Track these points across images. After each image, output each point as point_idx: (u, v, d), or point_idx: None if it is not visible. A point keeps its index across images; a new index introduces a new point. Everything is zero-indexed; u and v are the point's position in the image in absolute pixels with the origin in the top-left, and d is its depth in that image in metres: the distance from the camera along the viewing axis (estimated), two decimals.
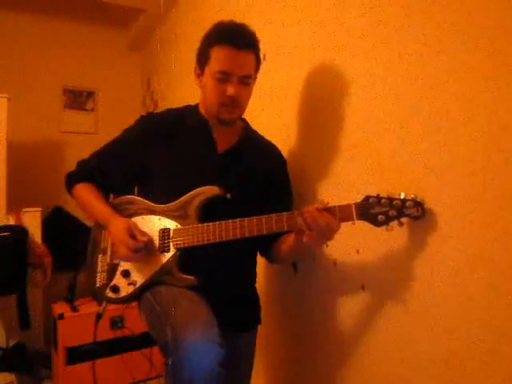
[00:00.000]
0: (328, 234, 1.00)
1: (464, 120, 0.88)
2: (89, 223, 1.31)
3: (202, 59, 1.20)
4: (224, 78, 1.15)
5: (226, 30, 1.18)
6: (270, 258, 1.33)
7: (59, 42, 3.20)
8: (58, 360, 2.11)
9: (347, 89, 1.20)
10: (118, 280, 1.17)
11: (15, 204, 2.43)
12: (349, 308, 1.22)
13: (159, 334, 0.99)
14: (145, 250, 1.13)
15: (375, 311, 1.13)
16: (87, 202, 1.26)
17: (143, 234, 1.15)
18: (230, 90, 1.14)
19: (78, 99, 3.28)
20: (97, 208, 1.23)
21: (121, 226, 1.14)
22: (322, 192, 1.32)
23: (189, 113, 1.29)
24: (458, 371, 0.89)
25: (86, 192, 1.27)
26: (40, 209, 2.49)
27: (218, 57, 1.15)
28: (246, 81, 1.18)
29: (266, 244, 1.26)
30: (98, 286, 1.20)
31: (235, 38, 1.14)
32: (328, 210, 0.99)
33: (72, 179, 1.31)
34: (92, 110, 3.33)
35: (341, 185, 1.24)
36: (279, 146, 1.37)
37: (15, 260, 2.16)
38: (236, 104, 1.18)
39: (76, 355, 2.09)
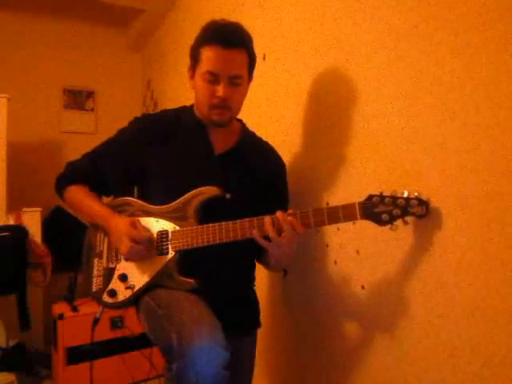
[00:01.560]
0: (294, 237, 1.03)
1: (469, 121, 0.88)
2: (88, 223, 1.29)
3: (193, 60, 1.19)
4: (213, 78, 1.13)
5: (216, 29, 1.16)
6: (261, 262, 1.32)
7: (59, 42, 3.20)
8: (58, 360, 2.11)
9: (353, 91, 1.20)
10: (115, 284, 1.15)
11: (15, 204, 2.43)
12: (349, 308, 1.22)
13: (162, 338, 0.98)
14: (146, 247, 1.11)
15: (376, 311, 1.12)
16: (82, 204, 1.23)
17: (146, 229, 1.14)
18: (220, 91, 1.13)
19: (78, 99, 3.28)
20: (94, 208, 1.20)
21: (124, 221, 1.12)
22: (325, 192, 1.32)
23: (184, 114, 1.28)
24: (460, 371, 0.89)
25: (80, 193, 1.24)
26: (40, 209, 2.49)
27: (207, 57, 1.13)
28: (237, 81, 1.15)
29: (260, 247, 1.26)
30: (94, 290, 1.18)
31: (224, 37, 1.12)
32: (293, 215, 1.03)
33: (63, 181, 1.27)
34: (92, 110, 3.32)
35: (344, 185, 1.24)
36: (281, 148, 1.37)
37: (15, 260, 2.16)
38: (227, 105, 1.16)
39: (76, 355, 2.08)
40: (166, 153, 1.21)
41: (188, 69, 1.23)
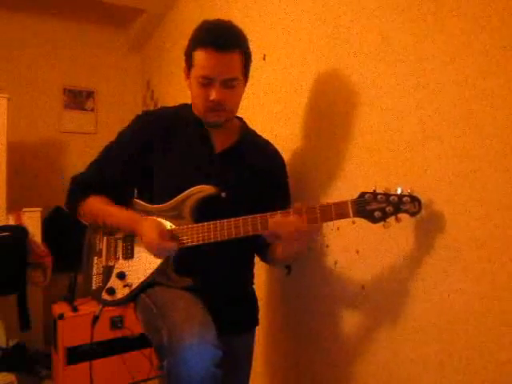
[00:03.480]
0: (301, 237, 1.01)
1: (466, 120, 0.88)
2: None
3: (188, 62, 1.18)
4: (206, 82, 1.12)
5: (208, 30, 1.14)
6: (265, 259, 1.32)
7: (59, 42, 3.20)
8: (58, 360, 2.11)
9: (352, 90, 1.19)
10: (114, 282, 1.16)
11: (15, 204, 2.43)
12: (349, 308, 1.22)
13: (155, 335, 0.98)
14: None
15: (376, 311, 1.12)
16: (103, 213, 1.19)
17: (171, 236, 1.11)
18: (213, 94, 1.12)
19: (78, 99, 3.28)
20: (119, 216, 1.17)
21: (151, 225, 1.10)
22: (324, 192, 1.32)
23: (184, 112, 1.28)
24: (460, 371, 0.89)
25: (98, 204, 1.20)
26: (40, 209, 2.49)
27: (200, 61, 1.12)
28: (231, 83, 1.14)
29: (261, 244, 1.25)
30: (93, 288, 1.19)
31: (216, 40, 1.10)
32: (297, 212, 1.00)
33: (76, 196, 1.24)
34: (92, 110, 3.32)
35: (343, 185, 1.24)
36: (280, 147, 1.36)
37: (15, 260, 2.17)
38: (221, 107, 1.15)
39: (76, 355, 2.08)
40: (168, 151, 1.21)
41: (183, 69, 1.23)
